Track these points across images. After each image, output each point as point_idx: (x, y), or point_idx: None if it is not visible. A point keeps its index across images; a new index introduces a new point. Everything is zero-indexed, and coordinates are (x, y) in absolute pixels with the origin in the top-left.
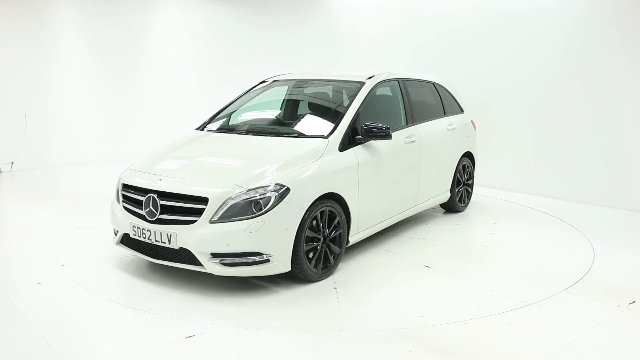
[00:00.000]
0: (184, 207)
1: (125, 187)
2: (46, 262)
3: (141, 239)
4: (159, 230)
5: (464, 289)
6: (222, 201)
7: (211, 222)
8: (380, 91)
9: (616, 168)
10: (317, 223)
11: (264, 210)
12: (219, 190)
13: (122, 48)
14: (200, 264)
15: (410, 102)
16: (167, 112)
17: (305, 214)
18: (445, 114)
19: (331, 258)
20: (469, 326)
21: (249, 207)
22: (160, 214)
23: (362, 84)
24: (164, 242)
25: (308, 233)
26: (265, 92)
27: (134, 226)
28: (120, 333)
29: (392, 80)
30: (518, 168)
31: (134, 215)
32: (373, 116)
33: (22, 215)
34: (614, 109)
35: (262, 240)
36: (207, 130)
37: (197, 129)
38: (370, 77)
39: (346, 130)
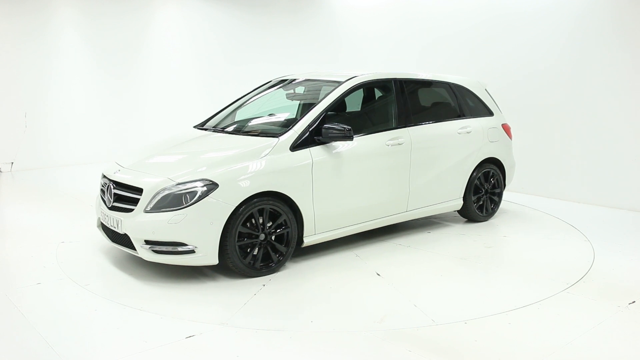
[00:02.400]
0: (128, 197)
1: (103, 176)
2: (46, 262)
3: (105, 223)
4: (112, 216)
5: (463, 289)
6: (155, 192)
7: (145, 211)
8: (368, 91)
9: (616, 168)
10: (257, 220)
11: (188, 204)
12: (152, 182)
13: (122, 47)
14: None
15: (406, 103)
16: (167, 112)
17: (235, 209)
18: (461, 116)
19: (275, 256)
20: (469, 326)
21: (179, 200)
22: (114, 201)
23: (338, 83)
24: (115, 227)
25: (242, 229)
26: (260, 92)
27: (101, 212)
28: (120, 333)
29: (384, 80)
30: (518, 168)
31: (102, 201)
32: (353, 117)
33: (22, 215)
34: (614, 109)
35: (184, 231)
36: (194, 127)
37: (194, 126)
38: (352, 78)
39: (303, 130)
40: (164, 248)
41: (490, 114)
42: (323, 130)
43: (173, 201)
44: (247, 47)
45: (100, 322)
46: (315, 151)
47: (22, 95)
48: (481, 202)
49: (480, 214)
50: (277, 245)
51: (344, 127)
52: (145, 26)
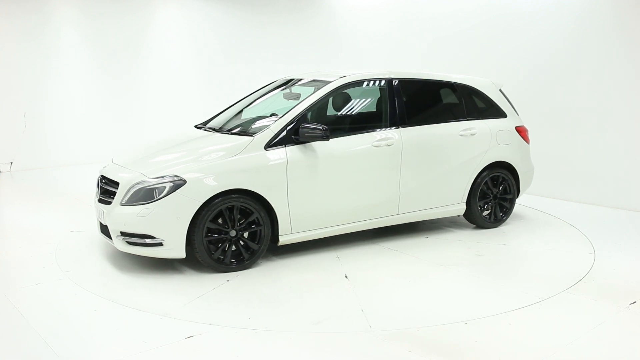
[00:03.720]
0: (110, 190)
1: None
2: (45, 262)
3: (97, 215)
4: (99, 208)
5: (463, 289)
6: (129, 186)
7: (121, 204)
8: (359, 90)
9: (616, 168)
10: (227, 217)
11: (156, 198)
12: (127, 177)
13: (122, 47)
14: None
15: (400, 103)
16: (166, 112)
17: (203, 206)
18: (465, 117)
19: (246, 253)
20: (469, 326)
21: (150, 194)
22: (100, 194)
23: (326, 83)
24: (101, 219)
25: (211, 225)
26: (261, 93)
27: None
28: (120, 333)
29: (375, 80)
30: None
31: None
32: (342, 116)
33: (21, 216)
34: (614, 109)
35: (152, 225)
36: (194, 127)
37: (195, 126)
38: (342, 77)
39: (280, 130)
40: (135, 240)
41: (502, 115)
42: (300, 129)
43: (145, 195)
44: (247, 46)
45: (100, 322)
46: (292, 150)
47: (22, 95)
48: (489, 208)
49: (487, 220)
50: (249, 243)
51: (321, 127)
52: (145, 26)
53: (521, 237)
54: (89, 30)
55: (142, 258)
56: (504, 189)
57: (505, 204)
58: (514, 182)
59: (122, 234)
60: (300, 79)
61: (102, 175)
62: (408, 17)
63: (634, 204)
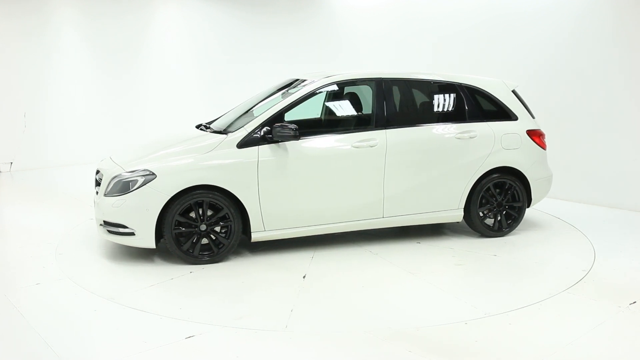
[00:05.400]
0: (100, 182)
1: None
2: (45, 263)
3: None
4: (94, 199)
5: (463, 289)
6: (110, 179)
7: (104, 195)
8: (344, 91)
9: (616, 168)
10: (197, 211)
11: (129, 190)
12: (109, 170)
13: (122, 47)
14: None
15: (388, 104)
16: (167, 111)
17: (172, 199)
18: (465, 119)
19: (216, 248)
20: (469, 326)
21: (126, 186)
22: (95, 186)
23: (295, 81)
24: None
25: (180, 218)
26: (266, 93)
27: None
28: (120, 333)
29: (362, 81)
30: None
31: None
32: (321, 117)
33: (21, 216)
34: (614, 109)
35: (124, 215)
36: (194, 127)
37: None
38: (325, 77)
39: (254, 129)
40: (112, 229)
41: (512, 118)
42: (273, 129)
43: (122, 187)
44: (247, 46)
45: (100, 322)
46: (264, 150)
47: (22, 95)
48: (493, 216)
49: (490, 228)
50: (220, 237)
51: (291, 127)
52: (145, 26)
53: (521, 237)
54: (89, 30)
55: (142, 258)
56: (512, 197)
57: (514, 212)
58: (523, 189)
59: (105, 223)
60: (304, 80)
61: (97, 169)
62: (408, 17)
63: (634, 204)
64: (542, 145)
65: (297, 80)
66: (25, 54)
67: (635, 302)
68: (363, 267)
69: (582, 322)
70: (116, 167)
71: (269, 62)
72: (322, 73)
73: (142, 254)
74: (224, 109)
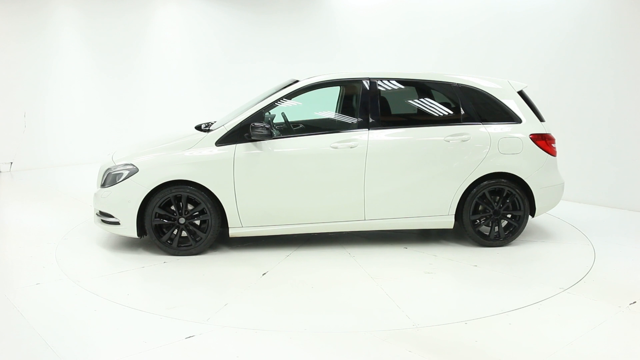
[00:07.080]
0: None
1: None
2: (45, 262)
3: None
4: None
5: (463, 289)
6: (104, 171)
7: (100, 186)
8: (328, 91)
9: (616, 168)
10: (176, 205)
11: (115, 183)
12: (105, 163)
13: (122, 47)
14: None
15: (372, 105)
16: (167, 111)
17: (151, 193)
18: (458, 121)
19: (193, 240)
20: (469, 326)
21: (114, 179)
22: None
23: (294, 82)
24: None
25: (160, 211)
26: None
27: None
28: (120, 333)
29: (347, 82)
30: None
31: None
32: (304, 118)
33: (21, 215)
34: (614, 109)
35: (110, 205)
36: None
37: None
38: (308, 78)
39: (233, 127)
40: (102, 218)
41: (514, 120)
42: (250, 128)
43: (112, 180)
44: (248, 46)
45: (100, 322)
46: (241, 148)
47: (22, 95)
48: (487, 225)
49: (485, 237)
50: (197, 231)
51: (264, 126)
52: (145, 25)
53: (520, 237)
54: (89, 30)
55: (141, 258)
56: (512, 205)
57: (514, 222)
58: (524, 197)
59: (100, 212)
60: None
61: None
62: (409, 17)
63: (634, 204)
64: (550, 151)
65: (297, 81)
66: (25, 53)
67: (635, 302)
68: (331, 268)
69: (582, 322)
70: (110, 162)
71: (269, 61)
72: (323, 74)
73: (142, 254)
74: (224, 108)
